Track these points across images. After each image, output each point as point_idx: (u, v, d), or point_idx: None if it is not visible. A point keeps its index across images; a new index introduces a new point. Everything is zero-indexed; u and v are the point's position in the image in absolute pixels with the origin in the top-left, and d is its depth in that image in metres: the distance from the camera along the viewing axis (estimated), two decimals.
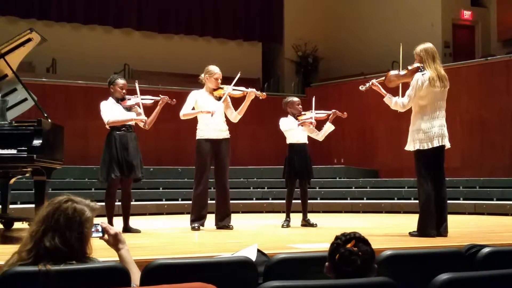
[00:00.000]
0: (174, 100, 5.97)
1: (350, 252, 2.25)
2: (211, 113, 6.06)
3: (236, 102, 6.41)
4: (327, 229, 6.51)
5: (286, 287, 2.09)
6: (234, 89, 6.22)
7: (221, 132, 6.22)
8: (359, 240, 2.30)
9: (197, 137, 6.23)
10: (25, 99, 5.63)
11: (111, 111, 5.77)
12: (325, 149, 10.72)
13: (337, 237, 2.35)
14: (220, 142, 6.20)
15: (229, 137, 6.28)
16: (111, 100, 5.87)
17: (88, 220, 2.33)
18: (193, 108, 6.25)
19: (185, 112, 6.22)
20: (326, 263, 2.33)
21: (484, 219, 8.33)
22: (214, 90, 6.22)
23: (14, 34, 5.45)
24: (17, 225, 5.91)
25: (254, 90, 6.25)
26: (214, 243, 5.14)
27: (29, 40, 5.33)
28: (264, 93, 6.33)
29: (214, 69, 6.24)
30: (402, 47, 5.72)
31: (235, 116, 6.35)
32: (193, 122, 6.45)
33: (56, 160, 5.16)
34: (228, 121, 6.35)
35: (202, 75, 6.28)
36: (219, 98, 6.21)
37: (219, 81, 6.22)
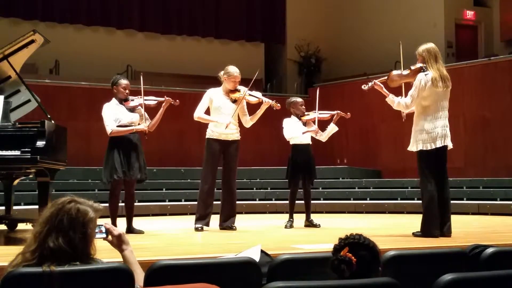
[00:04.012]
0: (177, 101, 5.97)
1: (340, 261, 2.21)
2: (226, 125, 6.07)
3: (249, 105, 6.39)
4: (330, 229, 6.51)
5: None
6: (250, 94, 6.21)
7: (231, 134, 6.21)
8: (356, 245, 2.25)
9: (206, 136, 6.23)
10: (29, 101, 5.64)
11: (113, 119, 5.75)
12: (328, 150, 10.71)
13: (339, 240, 2.31)
14: (230, 143, 6.20)
15: (239, 138, 6.27)
16: (114, 101, 5.88)
17: (91, 221, 2.33)
18: (208, 108, 6.24)
19: (200, 115, 6.20)
20: None
21: (487, 219, 8.31)
22: (231, 91, 6.21)
23: (17, 35, 5.46)
24: (20, 226, 5.93)
25: (269, 100, 6.25)
26: (217, 244, 5.14)
27: (32, 41, 5.34)
28: (278, 104, 6.25)
29: (234, 71, 6.20)
30: (401, 46, 5.71)
31: (247, 121, 6.36)
32: (197, 123, 6.45)
33: (60, 161, 5.17)
34: (239, 122, 6.34)
35: (222, 72, 6.27)
36: (234, 101, 6.20)
37: (237, 83, 6.20)
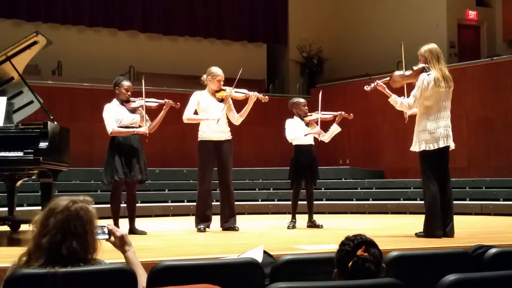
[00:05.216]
0: (178, 103, 5.98)
1: (364, 259, 2.19)
2: (217, 120, 6.07)
3: (238, 103, 6.41)
4: (333, 230, 6.50)
5: None
6: (236, 91, 6.22)
7: (223, 133, 6.22)
8: (368, 243, 2.24)
9: (199, 139, 6.25)
10: (31, 102, 5.65)
11: (114, 119, 5.76)
12: (330, 150, 10.70)
13: (343, 243, 2.27)
14: (222, 143, 6.20)
15: (230, 138, 6.28)
16: (115, 102, 5.89)
17: (94, 217, 2.34)
18: (196, 111, 6.26)
19: (189, 116, 6.22)
20: (335, 270, 2.27)
21: (490, 220, 8.30)
22: (216, 91, 6.22)
23: (20, 37, 5.47)
24: (23, 227, 5.93)
25: (256, 93, 6.25)
26: (220, 245, 5.15)
27: (35, 43, 5.34)
28: (266, 96, 6.28)
29: (217, 71, 6.23)
30: (403, 46, 5.70)
31: (237, 118, 6.36)
32: (198, 124, 6.46)
33: (62, 162, 5.18)
34: (230, 123, 6.36)
35: (204, 76, 6.29)
36: (221, 100, 6.21)
37: (222, 82, 6.22)
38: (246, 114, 6.32)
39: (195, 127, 6.45)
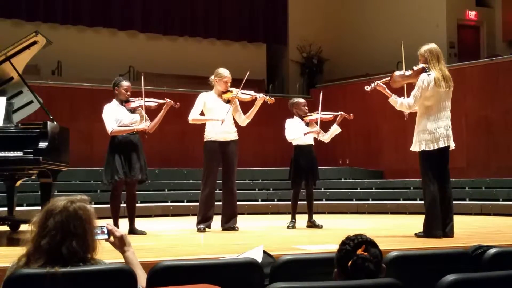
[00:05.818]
0: (178, 103, 5.98)
1: (363, 259, 2.19)
2: (221, 121, 6.08)
3: (244, 104, 6.41)
4: (333, 230, 6.51)
5: None
6: (243, 93, 6.23)
7: (229, 134, 6.23)
8: (368, 243, 2.24)
9: (204, 139, 6.25)
10: (31, 102, 5.65)
11: (114, 119, 5.77)
12: (330, 150, 10.70)
13: (344, 242, 2.28)
14: (228, 143, 6.21)
15: (237, 139, 6.28)
16: (114, 102, 5.89)
17: (93, 215, 2.34)
18: (202, 111, 6.26)
19: (194, 117, 6.22)
20: (335, 269, 2.28)
21: (490, 220, 8.30)
22: (223, 93, 6.22)
23: (20, 37, 5.47)
24: (23, 227, 5.93)
25: (263, 95, 6.26)
26: (219, 245, 5.14)
27: (34, 43, 5.34)
28: (272, 98, 6.29)
29: (224, 72, 6.23)
30: (403, 46, 5.70)
31: (243, 120, 6.37)
32: (202, 124, 6.47)
33: (62, 162, 5.18)
34: (235, 123, 6.36)
35: (212, 76, 6.30)
36: (227, 101, 6.22)
37: (229, 84, 6.22)
38: (252, 116, 6.33)
39: (195, 127, 6.45)
